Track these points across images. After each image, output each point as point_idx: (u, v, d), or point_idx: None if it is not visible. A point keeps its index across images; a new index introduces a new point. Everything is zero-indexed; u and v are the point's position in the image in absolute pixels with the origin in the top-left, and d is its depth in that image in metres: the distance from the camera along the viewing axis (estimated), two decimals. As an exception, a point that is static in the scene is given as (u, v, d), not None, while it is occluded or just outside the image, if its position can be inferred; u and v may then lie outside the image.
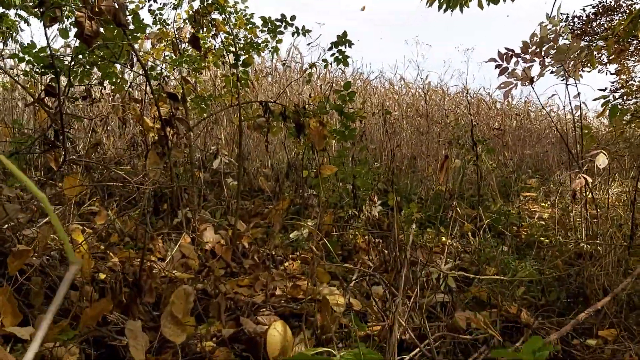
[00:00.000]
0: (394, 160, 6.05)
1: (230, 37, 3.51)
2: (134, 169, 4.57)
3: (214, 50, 3.63)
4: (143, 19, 3.57)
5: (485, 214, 5.19)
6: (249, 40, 3.57)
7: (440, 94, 15.39)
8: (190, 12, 3.98)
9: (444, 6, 7.57)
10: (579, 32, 13.84)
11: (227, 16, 3.50)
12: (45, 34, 2.87)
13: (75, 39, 2.65)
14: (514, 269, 3.54)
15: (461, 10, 7.67)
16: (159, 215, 3.92)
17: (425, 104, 11.09)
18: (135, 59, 3.07)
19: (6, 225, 1.99)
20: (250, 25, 3.63)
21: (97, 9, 2.11)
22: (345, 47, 3.30)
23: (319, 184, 3.82)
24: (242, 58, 3.40)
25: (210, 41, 3.66)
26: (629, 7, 13.63)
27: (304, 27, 3.37)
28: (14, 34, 6.40)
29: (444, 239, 4.60)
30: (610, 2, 14.15)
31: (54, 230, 2.33)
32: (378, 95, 14.30)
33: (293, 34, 3.42)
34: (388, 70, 27.95)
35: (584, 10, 13.93)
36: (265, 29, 3.42)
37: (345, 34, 3.31)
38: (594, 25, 13.93)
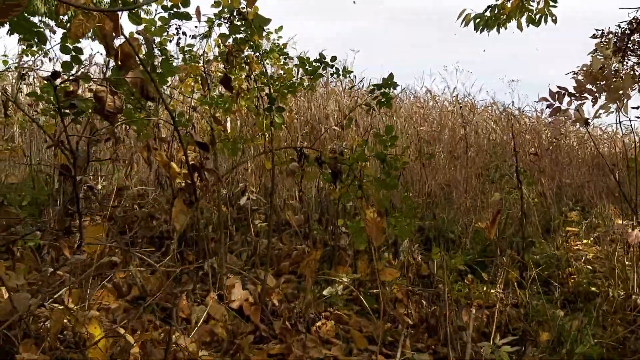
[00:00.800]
0: (430, 194, 5.72)
1: (263, 77, 3.24)
2: (157, 207, 4.33)
3: (246, 91, 3.36)
4: (172, 57, 3.32)
5: (530, 256, 4.85)
6: (283, 82, 3.30)
7: (469, 108, 15.00)
8: (221, 45, 3.72)
9: (480, 27, 7.24)
10: (615, 49, 13.36)
11: (261, 54, 3.23)
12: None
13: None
14: (573, 337, 3.21)
15: (498, 30, 7.34)
16: (183, 262, 3.66)
17: (463, 129, 10.72)
18: (162, 104, 2.82)
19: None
20: (286, 65, 3.35)
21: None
22: (390, 89, 3.01)
23: (358, 237, 3.53)
24: (276, 101, 3.13)
25: (242, 79, 3.40)
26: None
27: (345, 68, 3.08)
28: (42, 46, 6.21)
29: (485, 288, 4.27)
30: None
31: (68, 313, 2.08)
32: (404, 109, 13.89)
33: (332, 74, 3.15)
34: (413, 81, 27.51)
35: (619, 26, 13.45)
36: (302, 70, 3.15)
37: (391, 76, 3.02)
38: (629, 42, 13.45)
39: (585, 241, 5.98)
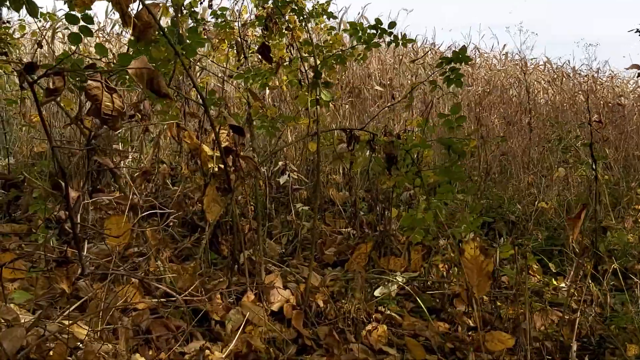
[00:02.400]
0: (488, 175, 5.19)
1: (307, 45, 2.76)
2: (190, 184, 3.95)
3: (288, 62, 2.90)
4: (203, 22, 2.88)
5: (602, 243, 4.32)
6: (330, 50, 2.81)
7: (520, 66, 14.11)
8: (259, 7, 3.25)
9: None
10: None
11: (305, 18, 2.75)
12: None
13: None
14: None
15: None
16: (218, 254, 3.30)
17: (521, 91, 10.01)
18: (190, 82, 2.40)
19: None
20: (333, 31, 2.87)
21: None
22: (461, 64, 2.51)
23: (413, 227, 3.09)
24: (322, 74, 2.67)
25: (283, 48, 2.93)
26: None
27: (404, 35, 2.59)
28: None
29: (555, 282, 3.79)
30: None
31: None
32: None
33: (389, 43, 2.65)
34: (460, 38, 26.25)
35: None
36: (354, 38, 2.66)
37: (463, 49, 2.51)
38: None
39: (658, 222, 5.39)
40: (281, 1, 2.61)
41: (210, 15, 2.97)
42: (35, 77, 1.32)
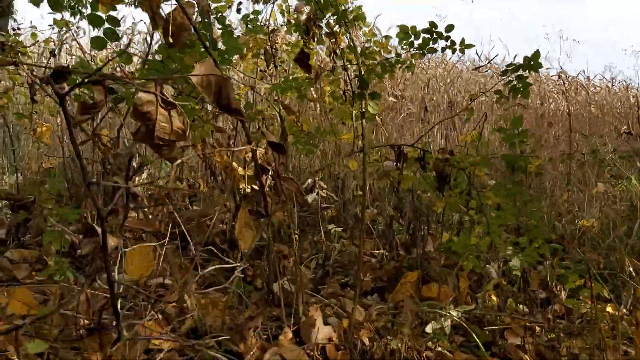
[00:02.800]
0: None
1: (349, 52, 2.47)
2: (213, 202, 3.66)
3: (330, 70, 2.60)
4: (232, 28, 2.60)
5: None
6: (374, 58, 2.50)
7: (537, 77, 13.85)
8: (290, 11, 2.97)
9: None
10: None
11: (349, 22, 2.46)
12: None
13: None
14: None
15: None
16: (250, 282, 2.99)
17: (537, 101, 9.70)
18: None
19: None
20: (375, 36, 2.57)
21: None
22: (530, 72, 2.22)
23: (466, 257, 2.78)
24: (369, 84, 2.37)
25: (325, 55, 2.64)
26: None
27: (463, 41, 2.29)
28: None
29: (610, 309, 3.47)
30: None
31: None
32: (461, 79, 12.77)
33: (444, 49, 2.36)
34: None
35: None
36: (406, 45, 2.36)
37: (537, 54, 2.22)
38: None
39: None
40: (323, 2, 2.32)
41: (241, 19, 2.68)
42: (67, 88, 1.02)
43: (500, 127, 2.52)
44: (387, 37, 2.67)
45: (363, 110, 2.41)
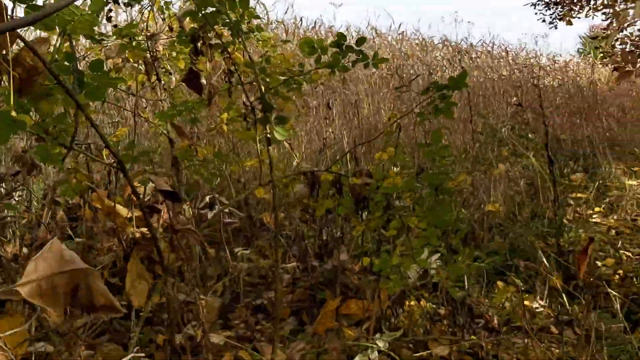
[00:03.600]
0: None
1: (247, 69, 2.11)
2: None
3: (223, 90, 2.23)
4: (102, 37, 2.17)
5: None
6: (277, 72, 2.16)
7: (419, 46, 14.03)
8: (167, 9, 2.56)
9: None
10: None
11: (243, 33, 2.09)
12: None
13: None
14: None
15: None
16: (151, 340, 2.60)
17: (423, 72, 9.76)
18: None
19: None
20: (276, 49, 2.23)
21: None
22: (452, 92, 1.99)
23: (390, 280, 2.57)
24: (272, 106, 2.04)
25: (218, 72, 2.25)
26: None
27: (376, 54, 2.01)
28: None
29: (527, 302, 3.44)
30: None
31: None
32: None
33: (355, 63, 2.07)
34: (357, 21, 25.82)
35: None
36: (312, 58, 2.04)
37: (464, 75, 1.99)
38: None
39: (597, 209, 5.27)
40: (211, 13, 1.94)
41: (113, 34, 2.23)
42: None
43: (420, 143, 2.30)
44: (302, 48, 2.33)
45: (268, 135, 2.08)
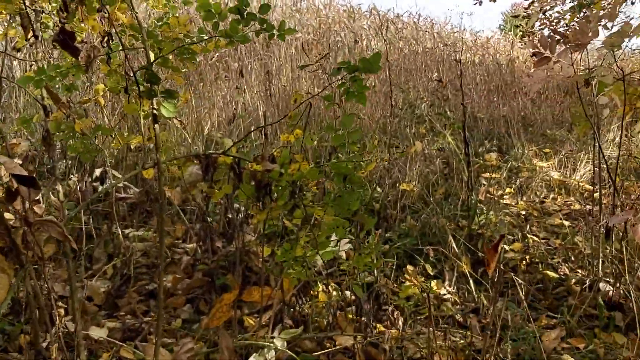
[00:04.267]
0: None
1: (133, 31, 1.80)
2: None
3: (105, 57, 1.89)
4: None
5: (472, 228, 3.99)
6: (170, 37, 1.86)
7: (347, 13, 13.81)
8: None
9: None
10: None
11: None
12: None
13: None
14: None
15: None
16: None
17: (349, 40, 9.54)
18: None
19: None
20: (175, 12, 1.91)
21: None
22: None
23: (291, 270, 2.38)
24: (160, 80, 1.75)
25: (95, 33, 1.91)
26: None
27: (283, 24, 1.75)
28: None
29: (434, 287, 3.37)
30: None
31: None
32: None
33: (259, 33, 1.80)
34: None
35: None
36: (210, 25, 1.75)
37: (377, 56, 1.77)
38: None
39: (508, 190, 5.32)
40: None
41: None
42: None
43: (329, 126, 2.09)
44: (180, 22, 2.03)
45: (154, 111, 1.79)
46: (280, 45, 8.88)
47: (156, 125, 1.77)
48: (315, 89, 6.49)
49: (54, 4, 2.01)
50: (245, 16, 1.71)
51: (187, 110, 4.47)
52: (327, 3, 13.56)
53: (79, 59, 1.84)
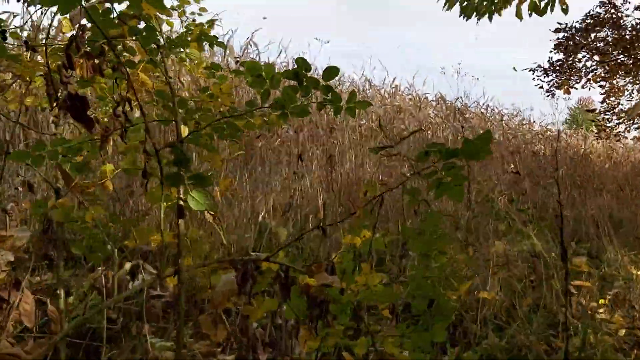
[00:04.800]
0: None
1: (165, 101, 1.39)
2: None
3: (118, 129, 1.48)
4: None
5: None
6: (210, 109, 1.45)
7: (414, 101, 13.55)
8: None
9: (469, 12, 5.62)
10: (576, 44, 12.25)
11: (162, 46, 1.39)
12: None
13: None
14: None
15: (490, 18, 5.74)
16: None
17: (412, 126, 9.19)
18: None
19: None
20: (212, 76, 1.53)
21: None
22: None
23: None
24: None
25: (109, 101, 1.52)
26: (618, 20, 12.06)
27: (354, 94, 1.31)
28: None
29: None
30: (600, 13, 12.55)
31: None
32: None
33: (320, 106, 1.37)
34: (348, 69, 25.40)
35: (582, 22, 12.35)
36: (260, 94, 1.33)
37: (488, 136, 1.30)
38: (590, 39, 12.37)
39: (602, 301, 4.55)
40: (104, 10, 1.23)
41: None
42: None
43: (407, 229, 1.57)
44: (236, 73, 1.63)
45: (181, 201, 1.34)
46: (344, 131, 8.58)
47: (181, 221, 1.31)
48: (380, 177, 6.05)
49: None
50: (304, 82, 1.26)
51: (241, 196, 4.08)
52: (393, 92, 13.38)
53: (92, 131, 1.44)
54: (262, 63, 1.39)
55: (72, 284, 3.17)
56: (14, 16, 3.83)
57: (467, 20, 5.52)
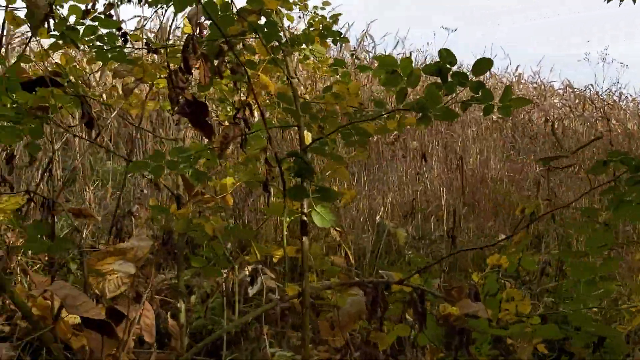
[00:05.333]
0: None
1: (287, 104, 1.26)
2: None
3: (239, 137, 1.37)
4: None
5: None
6: (333, 111, 1.29)
7: (538, 90, 12.70)
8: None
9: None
10: None
11: (285, 46, 1.25)
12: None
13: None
14: None
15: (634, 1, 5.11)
16: None
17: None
18: None
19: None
20: (347, 79, 1.37)
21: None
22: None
23: None
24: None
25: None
26: None
27: (508, 90, 1.10)
28: None
29: None
30: None
31: None
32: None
33: (467, 104, 1.16)
34: (471, 58, 24.33)
35: None
36: (394, 94, 1.16)
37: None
38: None
39: None
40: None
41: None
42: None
43: (566, 251, 1.32)
44: (361, 68, 1.45)
45: (304, 216, 1.20)
46: (464, 124, 8.15)
47: (305, 239, 1.17)
48: (505, 173, 5.63)
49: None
50: (450, 78, 1.06)
51: (358, 197, 3.93)
52: (516, 81, 12.62)
53: (212, 139, 1.33)
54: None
55: (193, 283, 3.19)
56: (145, 20, 3.92)
57: (607, 2, 4.95)
